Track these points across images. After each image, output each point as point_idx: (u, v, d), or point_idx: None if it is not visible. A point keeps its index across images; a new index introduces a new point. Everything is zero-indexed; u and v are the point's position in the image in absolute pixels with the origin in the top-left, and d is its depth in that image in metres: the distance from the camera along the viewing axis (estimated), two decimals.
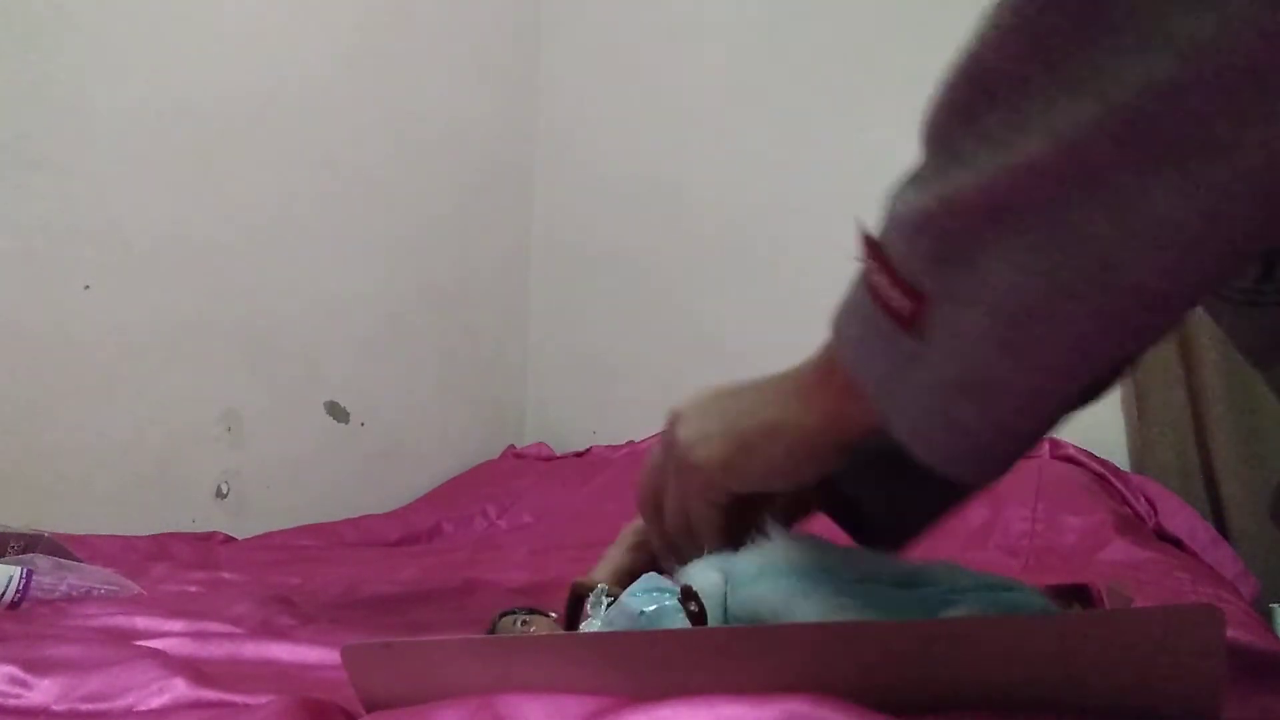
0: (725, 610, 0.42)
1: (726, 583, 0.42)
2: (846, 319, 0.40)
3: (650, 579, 0.44)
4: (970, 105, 0.33)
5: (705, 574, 0.43)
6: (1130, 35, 0.29)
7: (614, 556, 0.55)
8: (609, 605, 0.46)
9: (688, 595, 0.42)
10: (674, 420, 0.49)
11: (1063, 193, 0.32)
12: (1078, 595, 0.51)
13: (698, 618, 0.41)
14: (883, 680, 0.33)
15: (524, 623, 0.52)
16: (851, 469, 0.45)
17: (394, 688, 0.38)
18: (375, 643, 0.40)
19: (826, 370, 0.42)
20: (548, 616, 0.54)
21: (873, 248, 0.37)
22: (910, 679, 0.33)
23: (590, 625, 0.47)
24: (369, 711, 0.40)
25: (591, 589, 0.50)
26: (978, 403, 0.36)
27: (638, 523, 0.55)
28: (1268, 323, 0.58)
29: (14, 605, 0.85)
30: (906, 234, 0.35)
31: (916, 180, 0.36)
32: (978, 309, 0.34)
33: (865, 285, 0.38)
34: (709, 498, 0.47)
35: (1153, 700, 0.31)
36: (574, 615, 0.51)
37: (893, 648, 0.33)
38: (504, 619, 0.54)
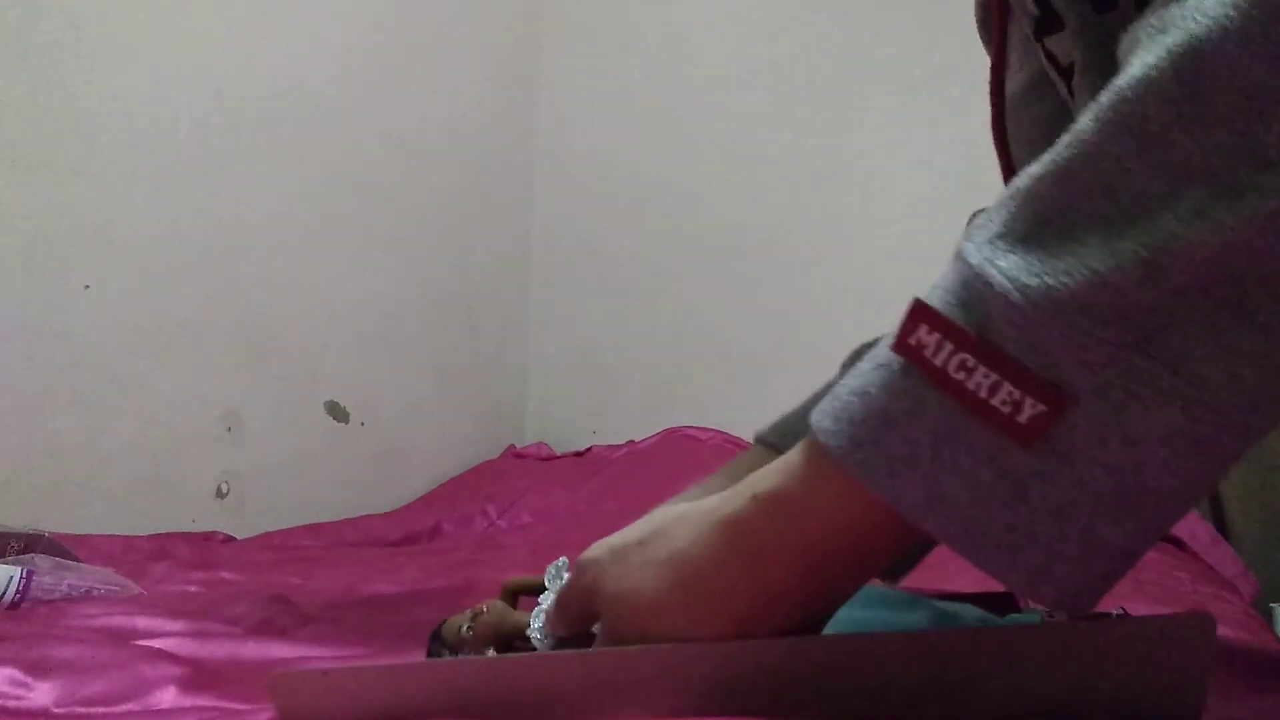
0: None
1: None
2: (877, 431, 0.31)
3: None
4: (1211, 124, 0.26)
5: None
6: None
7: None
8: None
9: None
10: (591, 573, 0.39)
11: None
12: None
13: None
14: (878, 690, 0.33)
15: (469, 627, 0.53)
16: None
17: (320, 715, 0.37)
18: (305, 670, 0.40)
19: (810, 495, 0.33)
20: (496, 602, 0.55)
21: (964, 340, 0.29)
22: (905, 688, 0.33)
23: (546, 598, 0.50)
24: None
25: (521, 588, 0.54)
26: (1134, 517, 0.29)
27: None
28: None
29: (14, 605, 0.85)
30: (1056, 318, 0.28)
31: (1054, 247, 0.28)
32: (1166, 404, 0.27)
33: (936, 388, 0.29)
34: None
35: (1137, 703, 0.31)
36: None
37: (888, 659, 0.34)
38: (446, 624, 0.54)
